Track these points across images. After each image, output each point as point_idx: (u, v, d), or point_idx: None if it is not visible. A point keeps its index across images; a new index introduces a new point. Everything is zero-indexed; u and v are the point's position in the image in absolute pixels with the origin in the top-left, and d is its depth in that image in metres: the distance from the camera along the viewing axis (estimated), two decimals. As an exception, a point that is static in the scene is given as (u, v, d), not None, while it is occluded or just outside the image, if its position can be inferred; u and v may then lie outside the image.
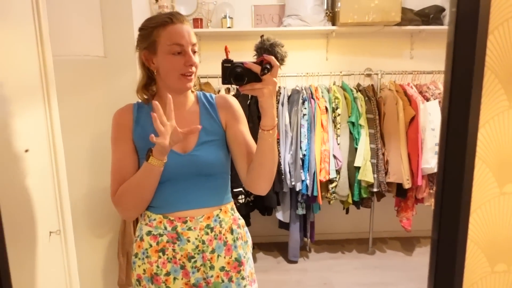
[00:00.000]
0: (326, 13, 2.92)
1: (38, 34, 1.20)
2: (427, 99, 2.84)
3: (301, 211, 2.81)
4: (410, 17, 2.90)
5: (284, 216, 2.86)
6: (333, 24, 2.90)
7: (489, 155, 0.65)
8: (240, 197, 2.65)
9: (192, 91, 1.22)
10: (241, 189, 2.65)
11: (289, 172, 2.72)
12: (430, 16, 2.94)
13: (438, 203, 0.65)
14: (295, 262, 2.93)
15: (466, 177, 0.62)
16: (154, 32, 1.08)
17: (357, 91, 2.87)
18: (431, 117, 2.75)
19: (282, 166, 2.71)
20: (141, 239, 1.15)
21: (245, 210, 2.72)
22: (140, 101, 1.21)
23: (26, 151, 1.12)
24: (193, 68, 1.09)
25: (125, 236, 1.82)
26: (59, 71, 1.33)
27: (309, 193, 2.70)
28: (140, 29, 1.13)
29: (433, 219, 0.67)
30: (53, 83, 1.26)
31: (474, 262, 0.69)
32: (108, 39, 1.81)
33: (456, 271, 0.64)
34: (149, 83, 1.18)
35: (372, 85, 3.00)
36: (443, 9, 2.99)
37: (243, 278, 1.18)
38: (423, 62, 3.10)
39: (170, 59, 1.07)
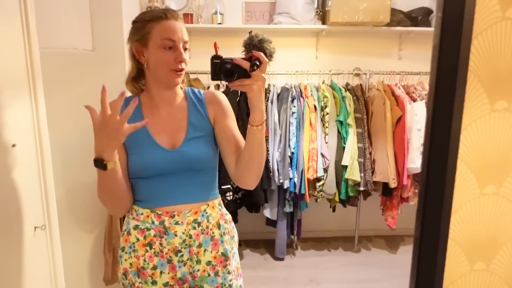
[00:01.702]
0: (317, 11, 2.93)
1: (24, 26, 1.18)
2: (414, 100, 2.88)
3: (288, 208, 2.83)
4: (399, 18, 2.93)
5: (271, 213, 2.87)
6: (323, 23, 2.92)
7: (471, 157, 0.67)
8: (228, 194, 2.66)
9: (181, 87, 1.22)
10: (229, 186, 2.65)
11: (277, 169, 2.73)
12: (418, 17, 2.98)
13: (421, 202, 0.67)
14: (282, 259, 2.96)
15: (448, 178, 0.64)
16: (148, 26, 1.09)
17: (345, 90, 2.90)
18: (418, 117, 2.79)
19: (271, 163, 2.72)
20: (128, 233, 1.15)
21: (233, 207, 2.72)
22: (127, 96, 1.21)
23: (13, 146, 1.11)
24: (183, 65, 1.10)
25: (112, 232, 1.81)
26: (46, 64, 1.31)
27: (297, 191, 2.72)
28: (134, 22, 1.14)
29: (416, 217, 0.69)
30: (39, 76, 1.25)
31: (454, 261, 0.71)
32: (97, 33, 1.79)
33: (437, 269, 0.66)
34: (138, 76, 1.19)
35: (360, 84, 3.03)
36: (431, 11, 3.04)
37: (229, 273, 1.20)
38: (411, 63, 3.14)
39: (161, 53, 1.08)
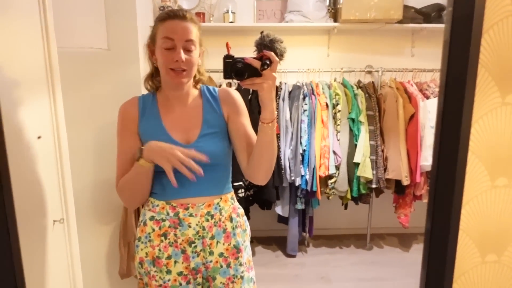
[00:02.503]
0: (328, 9, 2.92)
1: (43, 26, 1.22)
2: (427, 97, 2.86)
3: (300, 206, 2.84)
4: (412, 15, 2.91)
5: (283, 210, 2.88)
6: (335, 21, 2.91)
7: (482, 150, 0.68)
8: (240, 191, 2.68)
9: (196, 87, 1.25)
10: (241, 183, 2.67)
11: (289, 167, 2.74)
12: (431, 14, 2.95)
13: (431, 195, 0.68)
14: (294, 256, 2.96)
15: (459, 170, 0.65)
16: (156, 25, 1.14)
17: (357, 88, 2.89)
18: (431, 115, 2.77)
19: (282, 161, 2.73)
20: (144, 224, 1.19)
21: (244, 204, 2.74)
22: (144, 94, 1.24)
23: (39, 137, 1.15)
24: (183, 65, 1.10)
25: (127, 227, 1.85)
26: (63, 63, 1.35)
27: (309, 188, 2.73)
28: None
29: (427, 210, 0.70)
30: (57, 74, 1.29)
31: (465, 252, 0.72)
32: (112, 32, 1.83)
33: (447, 261, 0.66)
34: (155, 75, 1.23)
35: (372, 82, 3.01)
36: (443, 8, 3.00)
37: (240, 265, 1.22)
38: (424, 60, 3.11)
39: (162, 53, 1.11)
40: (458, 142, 0.63)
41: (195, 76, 1.21)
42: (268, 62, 0.97)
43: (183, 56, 1.09)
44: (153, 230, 1.17)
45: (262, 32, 1.21)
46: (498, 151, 0.70)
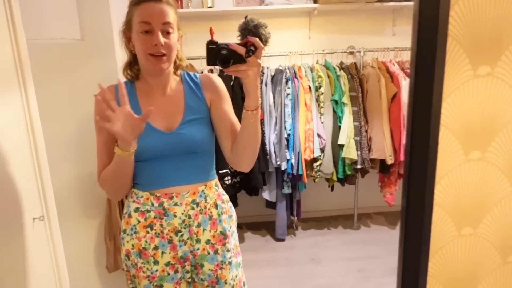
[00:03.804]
0: (308, -10, 2.89)
1: (9, 17, 1.16)
2: (409, 76, 2.87)
3: (287, 190, 2.85)
4: (391, -7, 2.89)
5: (270, 195, 2.89)
6: (315, 2, 2.88)
7: (454, 123, 0.68)
8: (226, 178, 2.67)
9: (176, 74, 1.22)
10: (227, 170, 2.66)
11: (274, 152, 2.74)
12: (410, -9, 2.94)
13: (406, 172, 0.68)
14: (283, 240, 2.99)
15: (431, 145, 0.65)
16: (131, 10, 1.09)
17: (340, 69, 2.88)
18: (413, 93, 2.78)
19: (267, 146, 2.73)
20: (129, 216, 1.17)
21: (232, 191, 2.74)
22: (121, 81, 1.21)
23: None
24: (162, 49, 1.07)
25: (111, 220, 1.83)
26: (35, 55, 1.30)
27: (295, 172, 2.74)
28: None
29: (402, 187, 0.70)
30: (28, 67, 1.24)
31: (441, 227, 0.72)
32: (85, 21, 1.77)
33: (423, 235, 0.67)
34: (134, 63, 1.18)
35: (355, 63, 3.01)
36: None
37: (228, 251, 1.22)
38: (405, 39, 3.11)
39: (140, 37, 1.07)
40: (430, 117, 0.62)
41: (175, 62, 1.18)
42: (253, 49, 0.95)
43: (162, 39, 1.06)
44: (139, 221, 1.16)
45: (246, 17, 1.18)
46: (471, 125, 0.70)
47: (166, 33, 1.08)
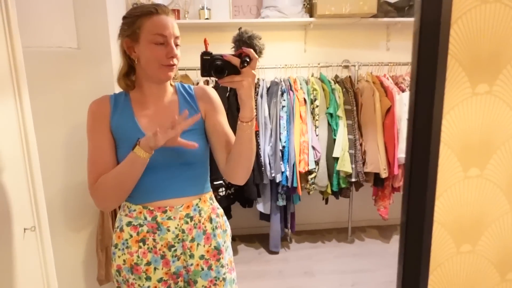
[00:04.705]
0: (304, 4, 2.93)
1: (6, 24, 1.16)
2: (403, 90, 2.90)
3: (281, 202, 2.84)
4: (386, 8, 2.94)
5: (264, 207, 2.88)
6: (311, 16, 2.91)
7: (454, 140, 0.68)
8: (220, 189, 2.65)
9: (171, 84, 1.22)
10: (221, 181, 2.65)
11: (269, 164, 2.74)
12: (405, 8, 2.99)
13: (406, 188, 0.68)
14: (277, 252, 2.97)
15: (431, 162, 0.65)
16: (138, 21, 1.09)
17: (335, 83, 2.91)
18: (407, 107, 2.80)
19: (262, 158, 2.72)
20: (121, 230, 1.15)
21: (226, 203, 2.72)
22: (116, 93, 1.20)
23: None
24: (175, 60, 1.10)
25: (103, 231, 1.80)
26: (31, 63, 1.29)
27: (289, 184, 2.73)
28: (124, 18, 1.13)
29: (402, 203, 0.70)
30: (23, 75, 1.23)
31: (440, 244, 0.72)
32: (81, 30, 1.77)
33: (423, 252, 0.66)
34: (130, 72, 1.18)
35: (349, 76, 3.04)
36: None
37: (222, 266, 1.20)
38: (399, 54, 3.16)
39: (152, 48, 1.07)
40: (430, 134, 0.63)
41: None
42: (247, 60, 0.95)
43: (178, 52, 1.10)
44: (131, 236, 1.13)
45: (240, 29, 1.19)
46: (470, 142, 0.70)
47: (176, 46, 1.10)
